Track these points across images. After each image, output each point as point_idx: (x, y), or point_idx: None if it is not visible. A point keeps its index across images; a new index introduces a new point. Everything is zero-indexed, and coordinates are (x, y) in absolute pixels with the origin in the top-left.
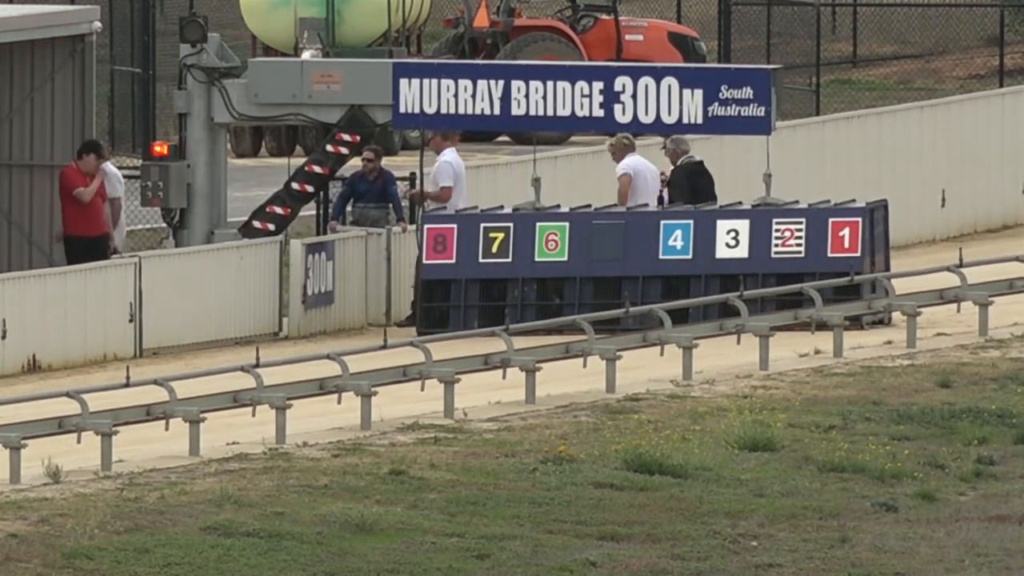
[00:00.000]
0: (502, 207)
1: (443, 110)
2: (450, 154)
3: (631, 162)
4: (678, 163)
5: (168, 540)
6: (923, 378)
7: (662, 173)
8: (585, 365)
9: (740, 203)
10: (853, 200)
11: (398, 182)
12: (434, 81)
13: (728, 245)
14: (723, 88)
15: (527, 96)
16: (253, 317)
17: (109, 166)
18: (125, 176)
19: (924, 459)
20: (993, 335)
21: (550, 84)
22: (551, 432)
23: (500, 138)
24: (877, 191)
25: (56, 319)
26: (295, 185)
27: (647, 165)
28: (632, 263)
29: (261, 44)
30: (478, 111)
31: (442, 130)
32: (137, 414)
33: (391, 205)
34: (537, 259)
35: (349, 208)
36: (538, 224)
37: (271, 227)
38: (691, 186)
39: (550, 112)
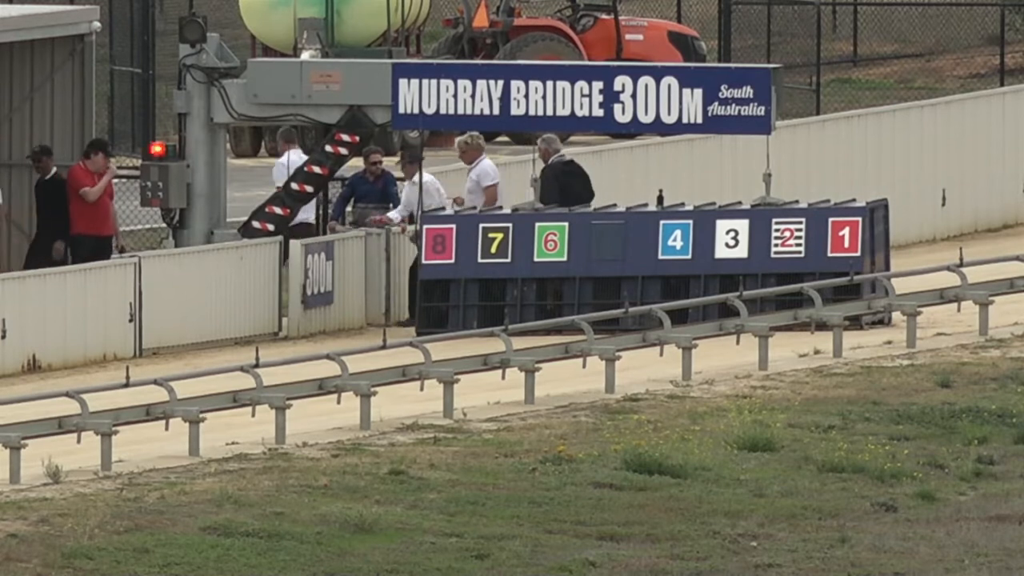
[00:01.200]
0: (501, 207)
1: (442, 110)
2: (286, 156)
3: (490, 167)
4: (549, 162)
5: (168, 540)
6: (923, 378)
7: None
8: (584, 365)
9: (740, 203)
10: (853, 200)
11: (397, 183)
12: (433, 81)
13: (728, 245)
14: (723, 87)
15: (527, 96)
16: (253, 317)
17: None
18: (125, 176)
19: (924, 459)
20: (993, 335)
21: (550, 84)
22: (550, 432)
23: (499, 138)
24: (877, 191)
25: (56, 319)
26: (294, 185)
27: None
28: (631, 263)
29: (260, 44)
30: (477, 111)
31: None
32: (137, 414)
33: (391, 206)
34: (536, 259)
35: (349, 208)
36: (537, 224)
37: (270, 227)
38: (560, 186)
39: (550, 112)
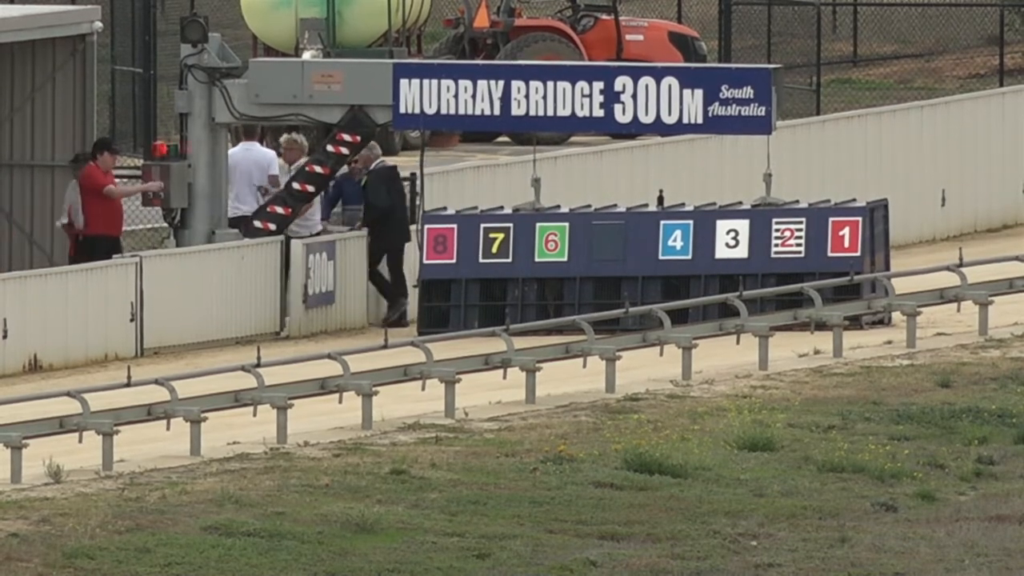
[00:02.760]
0: (502, 207)
1: (443, 110)
2: (239, 146)
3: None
4: (371, 167)
5: (169, 540)
6: (923, 378)
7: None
8: (585, 365)
9: (740, 203)
10: (853, 200)
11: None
12: (434, 81)
13: (728, 245)
14: (723, 88)
15: (527, 96)
16: (254, 317)
17: None
18: (126, 176)
19: (924, 459)
20: (993, 335)
21: (550, 84)
22: (551, 432)
23: (500, 138)
24: (877, 191)
25: (57, 319)
26: (296, 185)
27: None
28: (632, 263)
29: (262, 44)
30: (478, 111)
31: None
32: (138, 414)
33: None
34: (537, 259)
35: (337, 209)
36: (538, 224)
37: (272, 227)
38: (388, 190)
39: (550, 112)
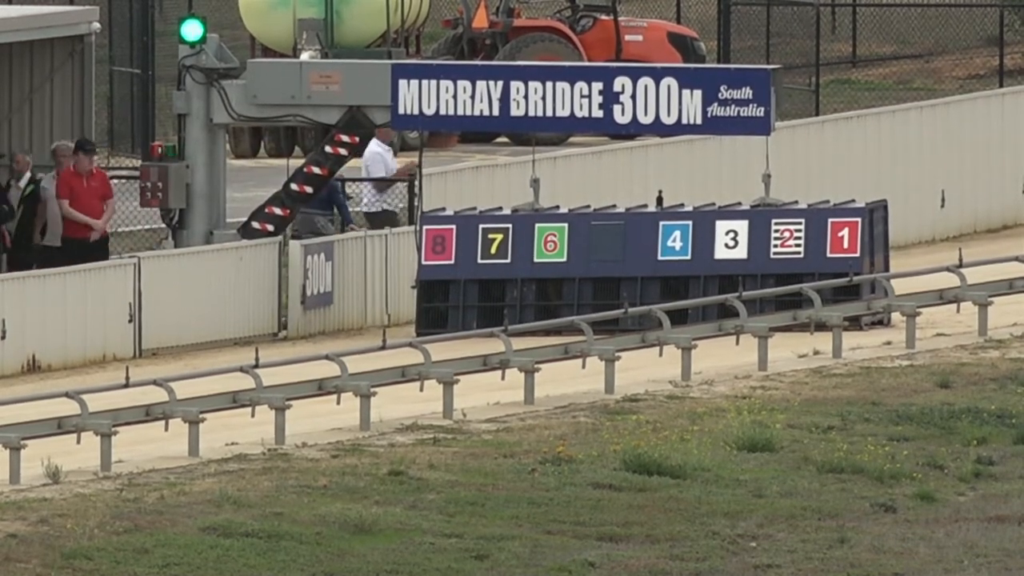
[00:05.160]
0: (501, 208)
1: (442, 111)
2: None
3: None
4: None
5: (167, 540)
6: (922, 378)
7: None
8: (584, 366)
9: (739, 204)
10: (852, 200)
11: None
12: (433, 82)
13: (727, 246)
14: (722, 88)
15: (526, 97)
16: (252, 318)
17: None
18: (124, 176)
19: (923, 459)
20: (992, 335)
21: (549, 85)
22: (550, 433)
23: (499, 139)
24: (877, 191)
25: (56, 319)
26: (294, 186)
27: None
28: (631, 264)
29: (260, 45)
30: (477, 112)
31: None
32: (136, 414)
33: (335, 211)
34: (536, 260)
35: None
36: (537, 225)
37: (270, 228)
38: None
39: (549, 113)
